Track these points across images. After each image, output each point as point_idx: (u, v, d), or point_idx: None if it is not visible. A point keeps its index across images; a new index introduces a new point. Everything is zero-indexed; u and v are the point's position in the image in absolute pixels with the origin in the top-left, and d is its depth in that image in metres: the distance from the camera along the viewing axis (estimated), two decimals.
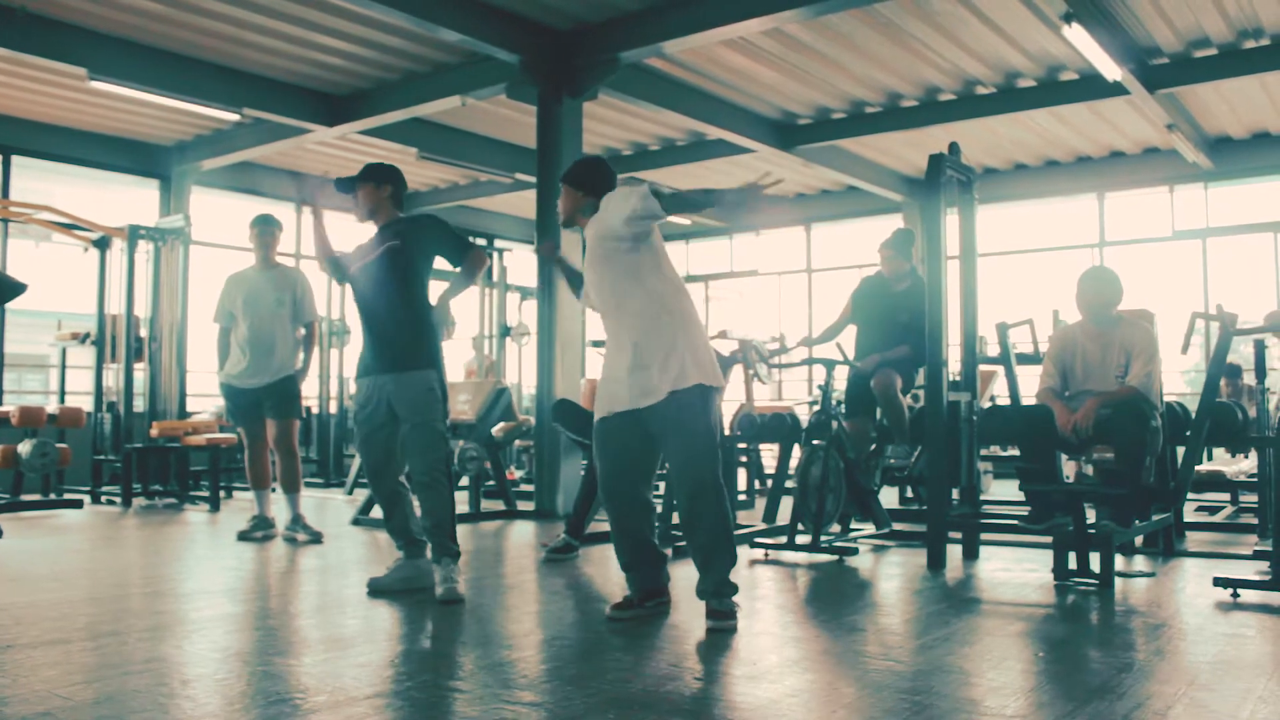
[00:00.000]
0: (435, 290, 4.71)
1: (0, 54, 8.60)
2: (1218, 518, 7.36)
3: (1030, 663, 3.40)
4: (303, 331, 6.64)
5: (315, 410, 11.75)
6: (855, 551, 5.66)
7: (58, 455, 8.39)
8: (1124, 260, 12.59)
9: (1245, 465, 7.49)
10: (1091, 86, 9.47)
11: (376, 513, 7.20)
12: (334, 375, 11.81)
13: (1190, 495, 8.74)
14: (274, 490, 6.60)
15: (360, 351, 4.69)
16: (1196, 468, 7.39)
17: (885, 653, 3.53)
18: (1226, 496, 8.15)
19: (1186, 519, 6.81)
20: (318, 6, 8.04)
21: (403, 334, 4.53)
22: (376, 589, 4.59)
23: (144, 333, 9.51)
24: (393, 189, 4.68)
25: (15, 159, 11.11)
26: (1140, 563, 5.44)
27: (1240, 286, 12.14)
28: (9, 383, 16.01)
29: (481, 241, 14.97)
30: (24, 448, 8.28)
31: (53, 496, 8.66)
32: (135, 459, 8.89)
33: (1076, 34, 7.64)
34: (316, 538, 6.29)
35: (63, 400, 10.25)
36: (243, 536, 6.45)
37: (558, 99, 8.50)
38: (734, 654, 3.52)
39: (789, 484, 6.64)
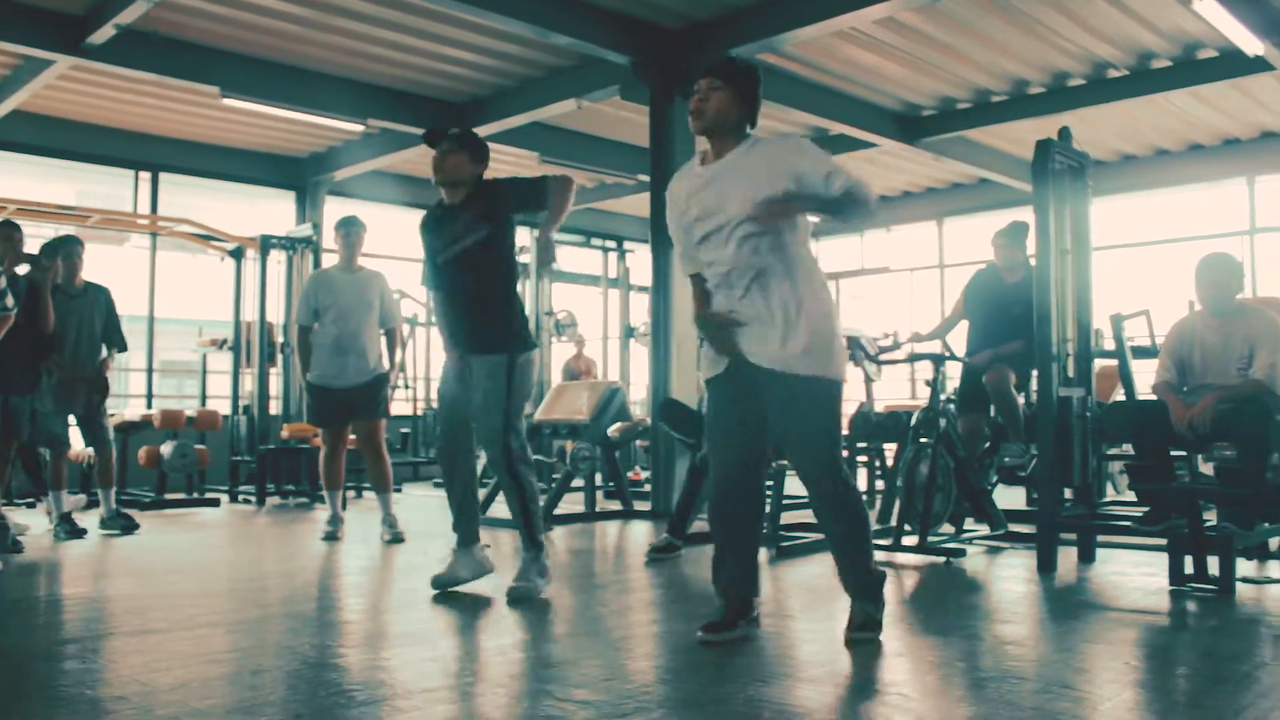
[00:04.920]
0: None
1: (142, 78, 9.10)
2: None
3: (1123, 672, 3.22)
4: (383, 335, 6.62)
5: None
6: (963, 553, 5.48)
7: (196, 456, 8.80)
8: (1278, 248, 11.90)
9: None
10: (1233, 63, 8.92)
11: (495, 511, 7.33)
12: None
13: None
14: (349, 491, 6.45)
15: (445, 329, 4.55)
16: None
17: (964, 660, 3.40)
18: None
19: None
20: (435, 18, 8.22)
21: (490, 317, 4.39)
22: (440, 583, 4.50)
23: (280, 338, 9.89)
24: (484, 170, 4.48)
25: (165, 176, 11.71)
26: (1272, 568, 5.11)
27: None
28: (169, 388, 16.92)
29: (611, 244, 15.06)
30: (165, 449, 8.71)
31: (195, 495, 9.07)
32: (269, 460, 9.24)
33: (1208, 7, 7.25)
34: (399, 538, 6.28)
35: (204, 404, 10.74)
36: (328, 538, 6.45)
37: (669, 99, 8.48)
38: (836, 661, 3.44)
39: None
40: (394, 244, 11.88)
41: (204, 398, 10.90)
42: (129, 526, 6.75)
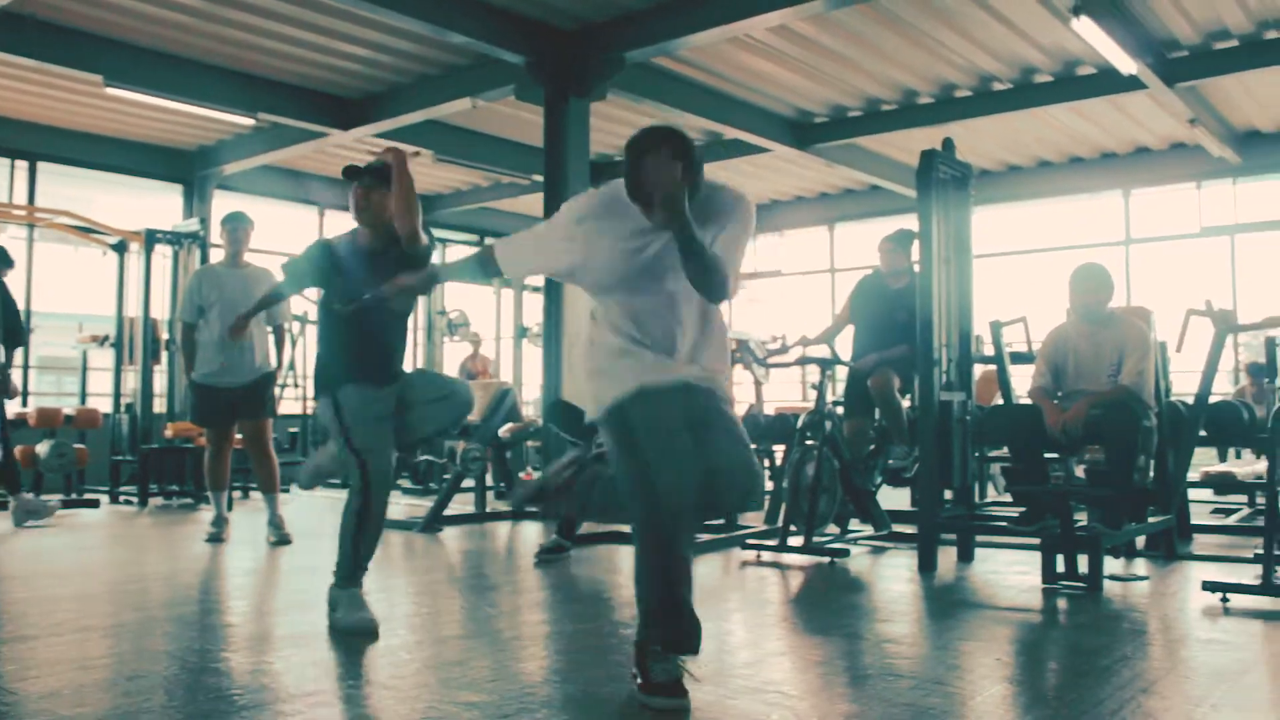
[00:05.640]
0: None
1: (22, 63, 8.80)
2: (1232, 520, 7.21)
3: (994, 668, 3.34)
4: (270, 333, 6.53)
5: None
6: (847, 553, 5.60)
7: (74, 456, 8.53)
8: (1150, 258, 12.42)
9: (1259, 466, 7.33)
10: (1109, 81, 9.29)
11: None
12: None
13: (1208, 497, 8.60)
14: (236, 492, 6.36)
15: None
16: (1208, 469, 7.28)
17: (844, 658, 3.49)
18: (1245, 498, 7.98)
19: (1200, 521, 6.68)
20: (330, 12, 8.09)
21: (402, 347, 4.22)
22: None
23: (165, 335, 9.64)
24: None
25: (48, 166, 11.31)
26: (1139, 566, 5.34)
27: (1270, 284, 11.88)
28: (47, 385, 16.33)
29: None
30: (42, 448, 8.43)
31: (73, 496, 8.78)
32: (152, 459, 9.00)
33: (1085, 26, 7.53)
34: (285, 539, 6.21)
35: (84, 401, 10.41)
36: (212, 539, 6.35)
37: (564, 99, 8.50)
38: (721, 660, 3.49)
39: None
40: (282, 240, 11.65)
41: (84, 395, 10.56)
42: None
